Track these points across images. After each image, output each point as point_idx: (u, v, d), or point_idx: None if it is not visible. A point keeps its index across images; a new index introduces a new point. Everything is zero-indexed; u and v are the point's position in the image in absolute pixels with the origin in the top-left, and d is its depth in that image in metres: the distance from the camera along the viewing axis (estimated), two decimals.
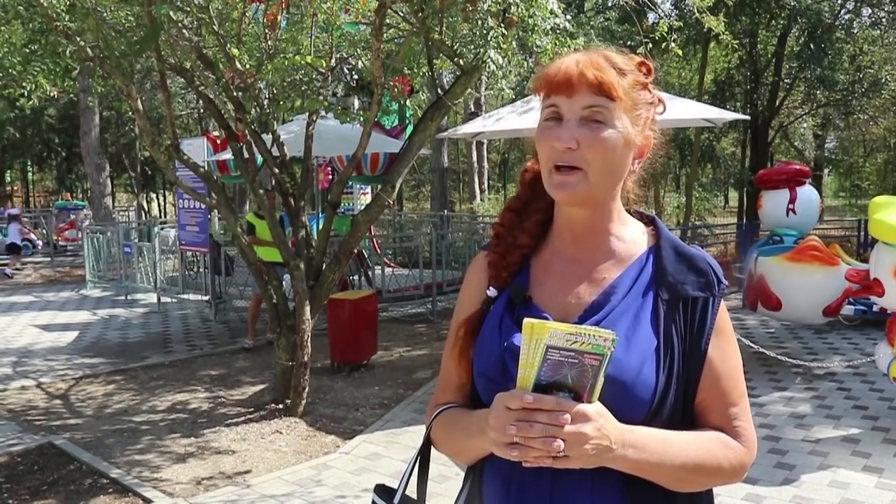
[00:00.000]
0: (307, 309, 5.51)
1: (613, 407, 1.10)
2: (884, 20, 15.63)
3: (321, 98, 5.56)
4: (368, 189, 13.01)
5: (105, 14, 5.21)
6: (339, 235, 8.25)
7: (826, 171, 27.17)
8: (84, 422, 5.69)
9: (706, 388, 1.22)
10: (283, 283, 6.17)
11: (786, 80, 16.59)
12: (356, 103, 9.44)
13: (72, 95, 14.34)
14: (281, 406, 5.73)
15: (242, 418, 5.60)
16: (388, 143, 9.24)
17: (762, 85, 16.54)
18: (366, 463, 4.75)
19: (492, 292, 1.31)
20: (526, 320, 1.06)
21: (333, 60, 5.85)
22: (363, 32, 6.05)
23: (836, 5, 15.10)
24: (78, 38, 5.22)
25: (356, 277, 9.98)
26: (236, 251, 7.53)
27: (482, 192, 21.31)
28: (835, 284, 6.14)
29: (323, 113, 6.29)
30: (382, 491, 1.40)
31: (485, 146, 22.06)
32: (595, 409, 1.07)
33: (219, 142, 9.50)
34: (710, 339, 1.22)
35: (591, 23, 12.81)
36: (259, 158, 6.26)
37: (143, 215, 24.10)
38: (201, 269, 10.32)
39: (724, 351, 1.23)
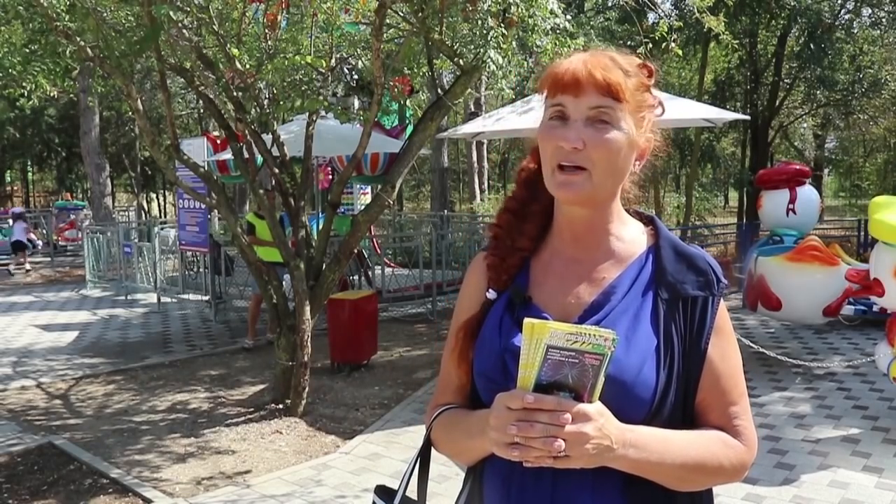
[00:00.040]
0: (307, 309, 5.51)
1: (614, 406, 1.10)
2: (884, 20, 15.63)
3: (321, 98, 5.55)
4: (368, 189, 13.00)
5: (105, 14, 5.21)
6: (339, 235, 8.25)
7: (826, 171, 27.16)
8: (84, 422, 5.69)
9: (706, 388, 1.22)
10: (283, 283, 6.17)
11: (786, 80, 16.59)
12: (356, 103, 9.44)
13: (72, 95, 14.33)
14: (281, 406, 5.73)
15: (242, 418, 5.60)
16: (388, 143, 9.24)
17: (762, 85, 16.54)
18: (366, 463, 4.75)
19: (491, 295, 1.31)
20: (526, 320, 1.06)
21: (333, 60, 5.84)
22: (363, 32, 6.05)
23: (836, 5, 15.10)
24: (78, 38, 5.22)
25: (356, 277, 9.97)
26: (236, 251, 7.53)
27: (482, 192, 21.30)
28: (835, 284, 6.14)
29: (323, 113, 6.29)
30: (383, 492, 1.40)
31: (485, 146, 22.05)
32: (596, 408, 1.07)
33: (219, 142, 9.50)
34: (710, 339, 1.22)
35: (591, 23, 12.81)
36: (259, 158, 6.26)
37: (143, 215, 24.11)
38: (201, 269, 10.33)
39: (724, 350, 1.24)
